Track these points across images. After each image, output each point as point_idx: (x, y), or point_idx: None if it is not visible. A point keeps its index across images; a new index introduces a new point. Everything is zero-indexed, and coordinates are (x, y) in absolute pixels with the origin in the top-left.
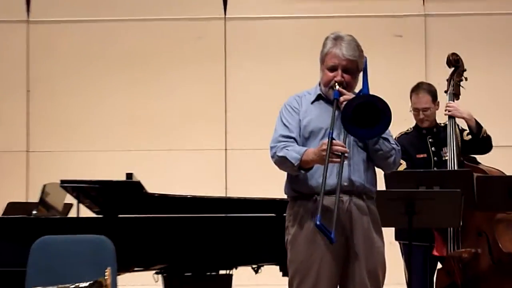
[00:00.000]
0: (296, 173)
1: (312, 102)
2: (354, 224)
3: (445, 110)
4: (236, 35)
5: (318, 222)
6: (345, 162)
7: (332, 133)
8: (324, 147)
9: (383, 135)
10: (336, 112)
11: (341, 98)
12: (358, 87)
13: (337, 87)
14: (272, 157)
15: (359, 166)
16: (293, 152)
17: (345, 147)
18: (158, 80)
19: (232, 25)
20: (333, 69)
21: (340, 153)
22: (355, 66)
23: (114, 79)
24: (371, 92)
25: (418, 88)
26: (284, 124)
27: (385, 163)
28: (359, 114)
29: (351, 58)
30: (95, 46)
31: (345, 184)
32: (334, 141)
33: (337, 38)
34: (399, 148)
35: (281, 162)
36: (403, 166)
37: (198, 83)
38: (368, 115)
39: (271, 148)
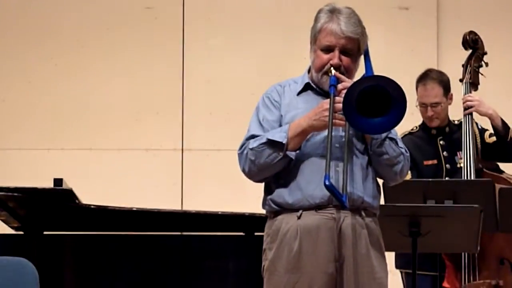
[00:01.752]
0: (281, 163)
1: (299, 94)
2: (349, 250)
3: (464, 104)
4: (198, 4)
5: (327, 182)
6: (339, 168)
7: (334, 89)
8: (326, 105)
9: (390, 135)
10: None
11: (340, 86)
12: (357, 75)
13: (333, 71)
14: (244, 165)
15: (357, 174)
16: (274, 133)
17: None
18: (97, 64)
19: None
20: (328, 49)
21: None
22: (356, 47)
23: (43, 63)
24: None
25: (426, 78)
26: (260, 122)
27: (390, 172)
28: (364, 103)
29: (352, 36)
30: (12, 18)
31: None
32: (336, 98)
33: (334, 11)
34: (408, 155)
35: (258, 155)
36: (407, 176)
37: (147, 67)
38: (375, 105)
39: (239, 155)
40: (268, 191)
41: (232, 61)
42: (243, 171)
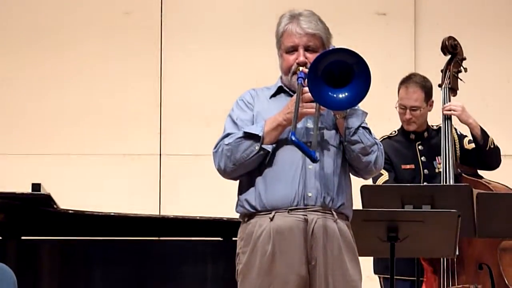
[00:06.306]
0: (257, 158)
1: (271, 97)
2: (321, 252)
3: (445, 110)
4: (176, 10)
5: (293, 138)
6: (311, 167)
7: (302, 81)
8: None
9: (364, 125)
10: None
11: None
12: None
13: (302, 68)
14: (219, 162)
15: (330, 174)
16: (251, 127)
17: None
18: (75, 69)
19: None
20: (293, 50)
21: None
22: (319, 42)
23: (21, 68)
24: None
25: (408, 80)
26: (234, 121)
27: (364, 162)
28: (330, 80)
29: (312, 32)
30: None
31: (309, 195)
32: (304, 88)
33: (294, 15)
34: (382, 147)
35: (235, 150)
36: (384, 177)
37: (125, 72)
38: (341, 81)
39: (214, 153)
40: (242, 191)
41: (210, 66)
42: (219, 169)
